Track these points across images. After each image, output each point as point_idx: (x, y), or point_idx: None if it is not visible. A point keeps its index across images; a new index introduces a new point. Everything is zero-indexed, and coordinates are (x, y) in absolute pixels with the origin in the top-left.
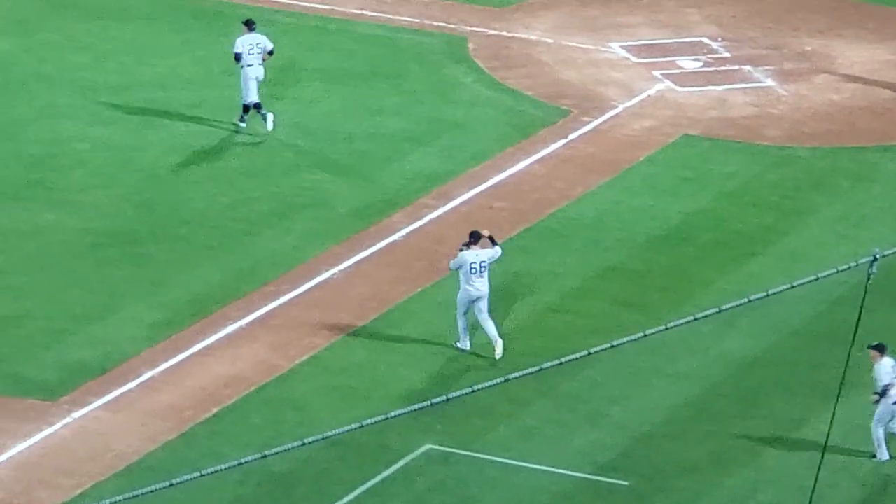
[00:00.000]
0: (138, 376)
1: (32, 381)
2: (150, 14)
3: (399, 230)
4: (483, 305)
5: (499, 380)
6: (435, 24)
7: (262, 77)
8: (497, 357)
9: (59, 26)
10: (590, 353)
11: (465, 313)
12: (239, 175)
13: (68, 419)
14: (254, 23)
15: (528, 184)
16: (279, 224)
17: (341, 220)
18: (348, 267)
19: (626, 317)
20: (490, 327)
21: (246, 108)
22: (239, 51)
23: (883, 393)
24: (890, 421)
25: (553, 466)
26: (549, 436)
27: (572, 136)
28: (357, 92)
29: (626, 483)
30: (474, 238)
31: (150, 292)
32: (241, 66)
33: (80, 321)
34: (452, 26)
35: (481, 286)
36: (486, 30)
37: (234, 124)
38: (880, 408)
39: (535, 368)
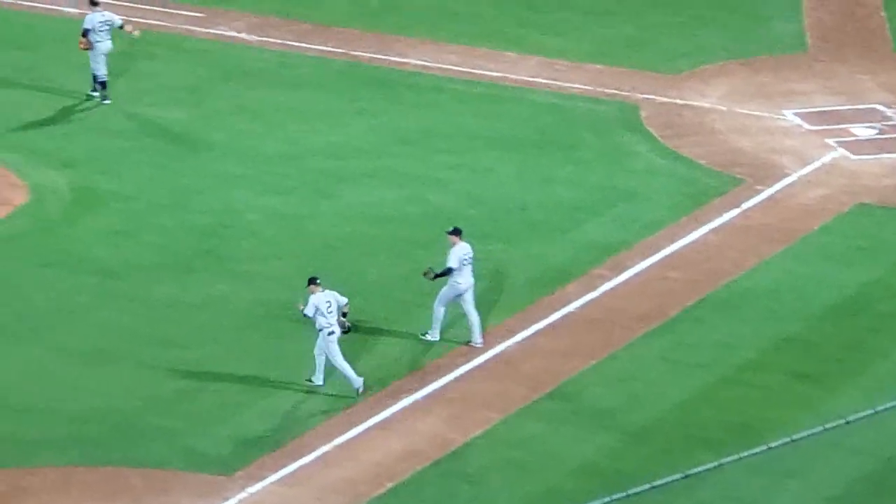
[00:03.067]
0: (313, 450)
1: (207, 455)
2: (320, 82)
3: (573, 301)
4: (469, 297)
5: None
6: (607, 91)
7: (111, 50)
8: (478, 345)
9: (232, 95)
10: (793, 441)
11: (445, 305)
12: (412, 246)
13: (243, 494)
14: (98, 2)
15: (701, 253)
16: None
17: (515, 290)
18: (522, 339)
19: (801, 389)
20: (476, 319)
21: (96, 80)
22: (88, 27)
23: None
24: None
25: None
26: None
27: (746, 204)
28: (530, 160)
29: None
30: (458, 232)
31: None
32: (94, 42)
33: (255, 394)
34: (625, 93)
35: (469, 278)
36: (658, 97)
37: (87, 95)
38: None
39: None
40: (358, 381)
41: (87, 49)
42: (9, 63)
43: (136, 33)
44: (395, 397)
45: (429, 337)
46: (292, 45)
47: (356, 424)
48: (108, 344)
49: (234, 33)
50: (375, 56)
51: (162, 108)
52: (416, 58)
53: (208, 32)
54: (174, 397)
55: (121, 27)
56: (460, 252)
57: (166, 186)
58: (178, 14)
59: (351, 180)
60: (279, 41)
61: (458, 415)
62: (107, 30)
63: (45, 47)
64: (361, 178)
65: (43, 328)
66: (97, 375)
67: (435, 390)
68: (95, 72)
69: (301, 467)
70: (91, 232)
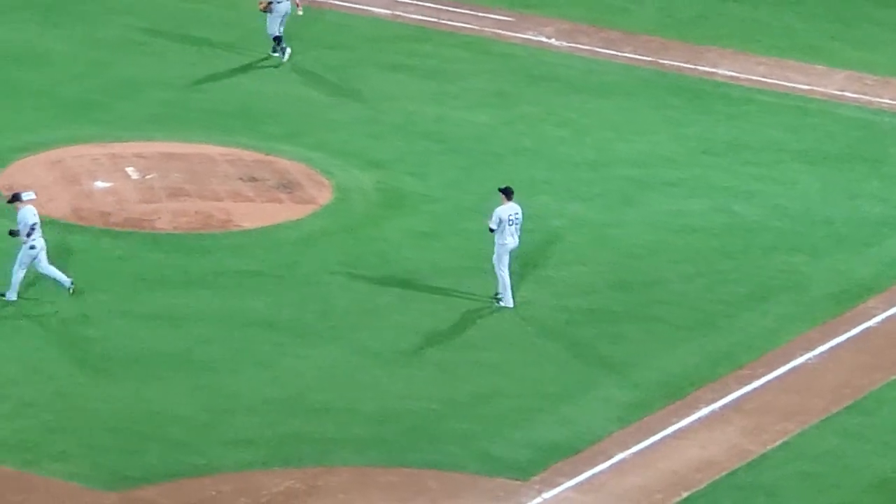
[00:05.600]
0: (609, 458)
1: (503, 459)
2: (629, 90)
3: (875, 316)
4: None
5: None
6: None
7: (289, 13)
8: (502, 305)
9: (539, 100)
10: None
11: (506, 267)
12: (717, 255)
13: (539, 499)
14: None
15: None
16: (756, 306)
17: (817, 303)
18: (823, 352)
19: None
20: (507, 282)
21: (277, 40)
22: None
23: None
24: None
25: None
26: None
27: None
28: (836, 174)
29: None
30: (507, 192)
31: (624, 372)
32: (272, 2)
33: (552, 400)
34: None
35: (514, 239)
36: None
37: (268, 54)
38: None
39: None
40: None
41: (265, 10)
42: (318, 61)
43: (300, 11)
44: (693, 406)
45: (502, 303)
46: (600, 52)
47: (653, 433)
48: (407, 346)
49: (542, 38)
50: (684, 65)
51: (469, 112)
52: (726, 68)
53: (516, 37)
54: (471, 401)
55: None
56: (504, 212)
57: (472, 190)
58: (486, 17)
59: (656, 189)
60: (587, 47)
61: (756, 426)
62: None
63: (355, 47)
64: (666, 187)
65: (344, 328)
66: (396, 377)
67: (733, 400)
68: (270, 31)
69: (596, 474)
70: (396, 233)
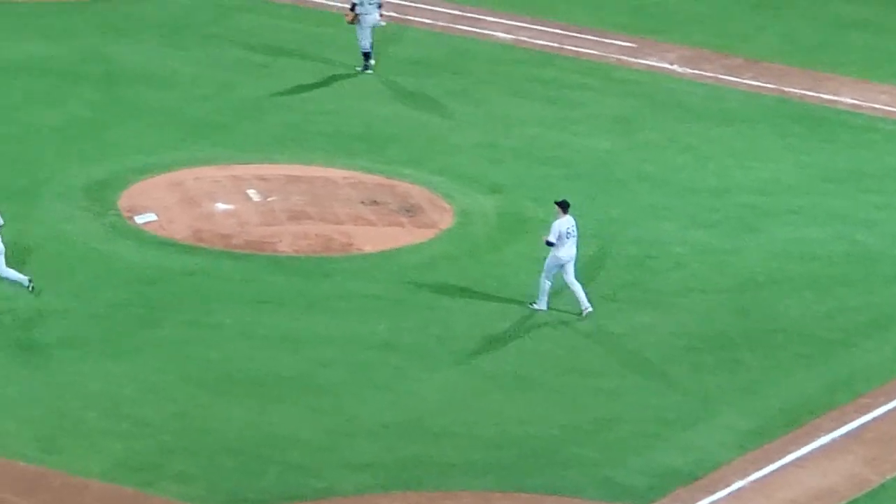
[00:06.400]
0: (728, 486)
1: (622, 485)
2: (751, 117)
3: None
4: (570, 268)
5: None
6: None
7: (377, 23)
8: (588, 311)
9: (661, 126)
10: None
11: (550, 277)
12: (837, 284)
13: None
14: None
15: None
16: (876, 335)
17: None
18: None
19: None
20: (578, 290)
21: (366, 56)
22: (356, 0)
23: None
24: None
25: None
26: None
27: None
28: None
29: None
30: (564, 205)
31: (743, 399)
32: (359, 14)
33: (672, 426)
34: None
35: (570, 251)
36: None
37: (356, 70)
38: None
39: None
40: None
41: (353, 23)
42: (441, 86)
43: (383, 23)
44: (813, 435)
45: (536, 306)
46: (723, 79)
47: (772, 461)
48: (527, 370)
49: (665, 65)
50: (807, 93)
51: (591, 138)
52: (848, 96)
53: (639, 63)
54: (591, 426)
55: (380, 6)
56: (562, 226)
57: (594, 216)
58: (610, 44)
59: (777, 216)
60: (710, 74)
61: (876, 455)
62: (375, 3)
63: (477, 72)
64: (788, 214)
65: (464, 352)
66: (515, 402)
67: (853, 429)
68: (362, 44)
69: (715, 501)
70: (516, 257)
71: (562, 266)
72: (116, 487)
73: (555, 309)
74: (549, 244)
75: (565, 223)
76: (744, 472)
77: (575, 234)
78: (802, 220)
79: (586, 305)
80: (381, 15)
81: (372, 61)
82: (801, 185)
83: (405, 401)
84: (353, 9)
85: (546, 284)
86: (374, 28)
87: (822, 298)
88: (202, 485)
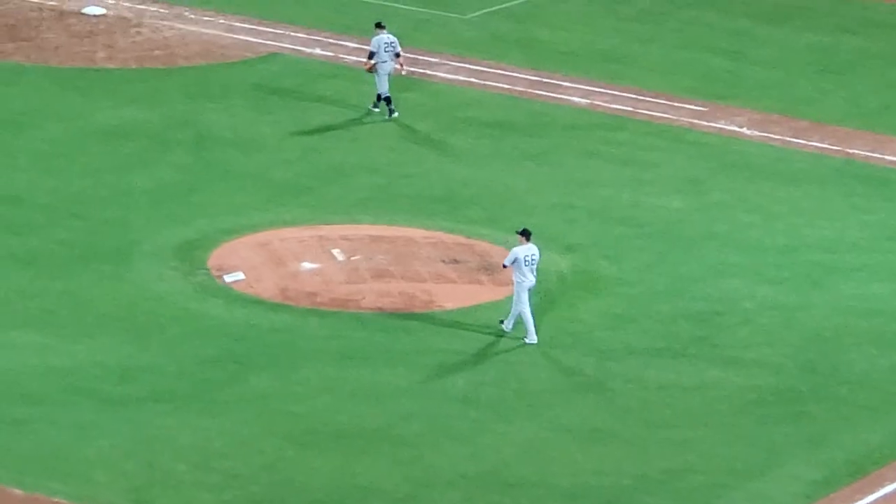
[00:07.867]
0: None
1: None
2: (818, 177)
3: None
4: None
5: None
6: None
7: (392, 72)
8: (532, 343)
9: (730, 187)
10: None
11: (524, 304)
12: None
13: None
14: (384, 25)
15: None
16: None
17: None
18: None
19: None
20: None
21: (379, 98)
22: (374, 49)
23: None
24: None
25: None
26: None
27: None
28: None
29: None
30: (525, 234)
31: (810, 450)
32: (376, 62)
33: (741, 476)
34: None
35: (531, 277)
36: None
37: (368, 109)
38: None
39: None
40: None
41: (370, 71)
42: (517, 148)
43: (403, 72)
44: (878, 484)
45: (528, 340)
46: (791, 142)
47: None
48: (601, 423)
49: (735, 128)
50: (871, 154)
51: (663, 198)
52: None
53: (710, 126)
54: (662, 476)
55: (398, 55)
56: (521, 252)
57: (665, 273)
58: (682, 107)
59: (843, 273)
60: (779, 137)
61: None
62: (391, 52)
63: (553, 134)
64: (853, 271)
65: (540, 405)
66: (589, 453)
67: None
68: (381, 90)
69: None
70: (590, 314)
71: (529, 290)
72: None
73: (627, 361)
74: (504, 266)
75: (524, 250)
76: None
77: (535, 261)
78: (866, 276)
79: (532, 338)
80: (400, 65)
81: (394, 109)
82: (865, 243)
83: (483, 452)
84: (370, 57)
85: (526, 314)
86: (391, 76)
87: (886, 352)
88: None
